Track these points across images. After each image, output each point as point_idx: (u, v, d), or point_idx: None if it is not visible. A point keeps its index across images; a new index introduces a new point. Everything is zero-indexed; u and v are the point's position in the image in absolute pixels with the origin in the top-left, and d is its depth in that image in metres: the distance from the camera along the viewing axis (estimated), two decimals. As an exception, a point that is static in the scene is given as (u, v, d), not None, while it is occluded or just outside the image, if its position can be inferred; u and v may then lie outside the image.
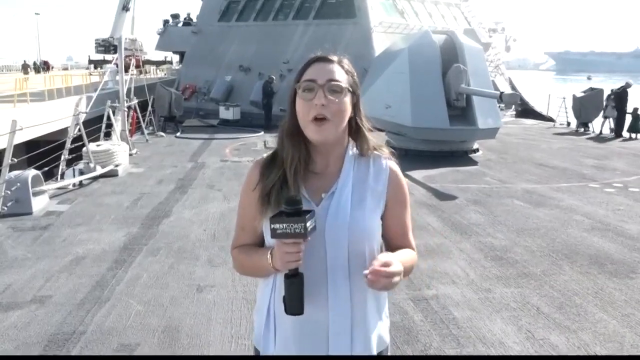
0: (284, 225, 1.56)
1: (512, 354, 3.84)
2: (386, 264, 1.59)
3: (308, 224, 1.56)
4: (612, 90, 18.21)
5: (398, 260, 1.64)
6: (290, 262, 1.59)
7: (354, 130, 1.77)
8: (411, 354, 3.83)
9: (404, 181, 1.84)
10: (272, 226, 1.57)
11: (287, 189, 1.70)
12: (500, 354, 3.84)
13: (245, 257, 1.81)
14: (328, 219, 1.69)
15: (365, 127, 1.78)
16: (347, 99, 1.70)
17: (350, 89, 1.72)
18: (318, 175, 1.75)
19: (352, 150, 1.79)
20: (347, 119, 1.72)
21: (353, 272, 1.68)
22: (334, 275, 1.69)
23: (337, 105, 1.67)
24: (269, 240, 1.75)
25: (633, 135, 17.10)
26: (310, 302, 1.63)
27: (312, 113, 1.66)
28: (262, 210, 1.72)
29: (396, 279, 1.60)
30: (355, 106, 1.75)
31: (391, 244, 1.81)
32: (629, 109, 17.22)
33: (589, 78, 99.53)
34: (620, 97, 17.33)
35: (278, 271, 1.67)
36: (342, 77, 1.70)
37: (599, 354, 3.86)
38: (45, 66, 47.56)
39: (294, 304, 1.61)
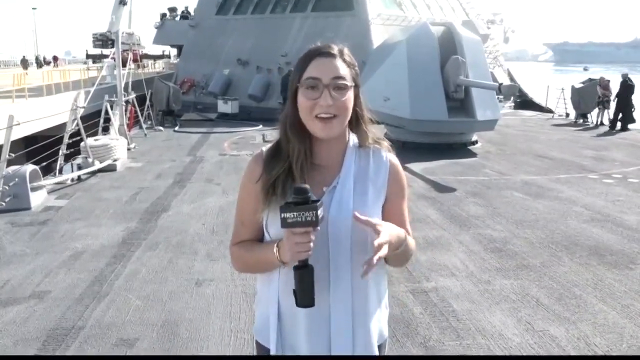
0: (295, 214, 1.53)
1: (512, 346, 3.84)
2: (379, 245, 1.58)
3: (319, 211, 1.54)
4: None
5: (389, 233, 1.65)
6: (300, 252, 1.56)
7: (354, 122, 1.76)
8: (410, 347, 3.83)
9: (403, 174, 1.84)
10: (283, 215, 1.54)
11: (292, 181, 1.69)
12: (500, 346, 3.84)
13: (247, 252, 1.79)
14: (331, 212, 1.67)
15: (366, 119, 1.77)
16: (351, 94, 1.69)
17: (354, 84, 1.70)
18: (319, 168, 1.74)
19: (353, 142, 1.78)
20: (350, 112, 1.71)
21: (355, 266, 1.67)
22: (337, 269, 1.68)
23: (342, 103, 1.66)
24: (269, 234, 1.74)
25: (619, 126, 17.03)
26: None
27: (316, 111, 1.65)
28: (265, 201, 1.70)
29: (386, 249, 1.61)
30: (357, 97, 1.73)
31: None
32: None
33: (585, 69, 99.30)
34: (627, 89, 17.01)
35: (285, 264, 1.65)
36: (345, 73, 1.68)
37: (598, 345, 3.85)
38: (55, 61, 47.59)
39: (305, 296, 1.59)
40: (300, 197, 1.55)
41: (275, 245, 1.65)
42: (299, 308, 1.61)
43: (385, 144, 1.83)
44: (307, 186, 1.59)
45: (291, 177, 1.70)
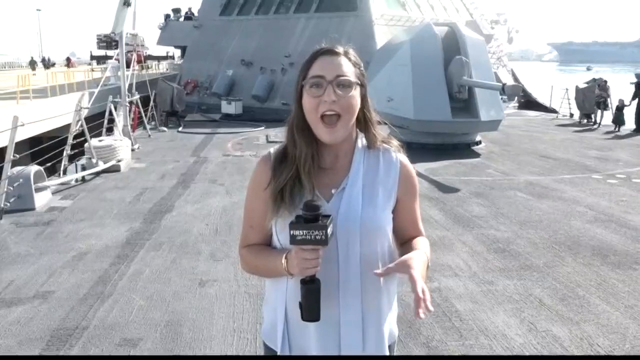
0: (304, 232, 1.52)
1: (515, 346, 3.84)
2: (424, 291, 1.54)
3: (329, 230, 1.52)
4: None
5: (422, 265, 1.64)
6: (308, 268, 1.55)
7: (362, 123, 1.74)
8: (413, 347, 3.83)
9: (415, 174, 1.81)
10: (292, 232, 1.53)
11: (300, 186, 1.67)
12: (503, 346, 3.83)
13: (256, 258, 1.77)
14: (339, 216, 1.65)
15: (374, 120, 1.75)
16: (356, 93, 1.67)
17: (359, 82, 1.68)
18: (327, 170, 1.72)
19: (361, 143, 1.76)
20: (356, 113, 1.69)
21: (364, 269, 1.66)
22: (346, 273, 1.67)
23: (346, 101, 1.64)
24: (279, 239, 1.73)
25: (616, 127, 16.67)
26: (322, 301, 1.60)
27: (321, 109, 1.63)
28: (274, 207, 1.68)
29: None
30: (363, 98, 1.71)
31: (403, 235, 1.80)
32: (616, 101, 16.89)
33: (588, 69, 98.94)
34: None
35: (292, 276, 1.63)
36: (350, 71, 1.66)
37: (601, 345, 3.85)
38: (68, 62, 47.75)
39: (311, 310, 1.58)
40: (310, 213, 1.53)
41: (284, 256, 1.63)
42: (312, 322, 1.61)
43: (395, 143, 1.81)
44: (319, 203, 1.57)
45: (299, 181, 1.68)
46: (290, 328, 1.72)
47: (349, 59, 1.68)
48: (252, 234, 1.80)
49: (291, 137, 1.72)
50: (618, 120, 16.77)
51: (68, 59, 50.89)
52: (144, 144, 14.02)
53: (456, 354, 3.76)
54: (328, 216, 1.56)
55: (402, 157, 1.80)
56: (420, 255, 1.66)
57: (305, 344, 1.71)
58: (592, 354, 3.75)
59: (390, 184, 1.75)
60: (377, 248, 1.68)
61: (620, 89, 18.15)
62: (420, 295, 1.51)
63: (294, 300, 1.66)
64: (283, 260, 1.63)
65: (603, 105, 17.84)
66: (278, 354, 1.73)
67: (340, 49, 1.69)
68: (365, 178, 1.72)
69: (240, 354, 3.76)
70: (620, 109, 16.80)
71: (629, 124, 16.78)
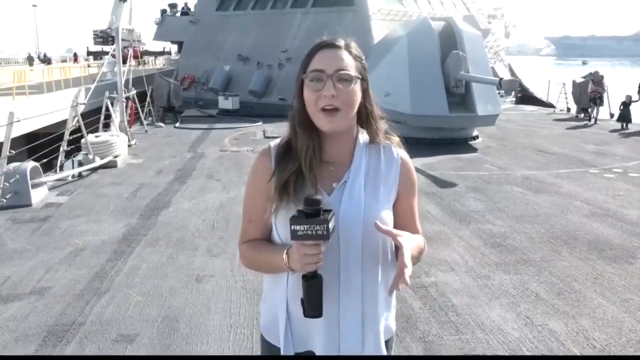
0: (305, 226, 1.49)
1: (511, 340, 3.84)
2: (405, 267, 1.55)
3: (330, 224, 1.50)
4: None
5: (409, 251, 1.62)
6: (310, 264, 1.54)
7: (364, 117, 1.73)
8: (410, 341, 3.84)
9: (414, 171, 1.81)
10: (293, 227, 1.51)
11: (303, 179, 1.66)
12: (499, 340, 3.84)
13: (256, 254, 1.76)
14: (341, 209, 1.64)
15: (375, 114, 1.75)
16: (357, 87, 1.66)
17: (360, 76, 1.67)
18: (328, 164, 1.71)
19: (362, 139, 1.76)
20: (357, 107, 1.68)
21: (365, 264, 1.66)
22: (347, 267, 1.66)
23: (346, 95, 1.63)
24: (278, 234, 1.71)
25: (623, 125, 15.82)
26: (323, 296, 1.59)
27: (320, 103, 1.62)
28: (278, 200, 1.67)
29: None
30: (365, 92, 1.70)
31: None
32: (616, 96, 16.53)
33: (584, 63, 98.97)
34: None
35: (293, 271, 1.62)
36: (350, 65, 1.65)
37: (597, 339, 3.86)
38: (75, 59, 47.77)
39: (312, 306, 1.57)
40: (311, 208, 1.51)
41: (285, 252, 1.62)
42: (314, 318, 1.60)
43: (396, 139, 1.80)
44: (320, 197, 1.55)
45: (302, 175, 1.67)
46: (292, 324, 1.70)
47: (350, 52, 1.67)
48: (252, 229, 1.79)
49: (293, 130, 1.71)
50: (624, 117, 15.85)
51: (75, 55, 51.03)
52: (141, 140, 13.99)
53: (453, 348, 3.77)
54: (329, 211, 1.55)
55: (403, 154, 1.79)
56: (415, 239, 1.70)
57: (306, 339, 1.70)
58: (588, 347, 3.76)
59: (391, 180, 1.74)
60: (378, 242, 1.67)
61: (619, 84, 17.99)
62: (405, 263, 1.54)
63: (295, 296, 1.65)
64: (284, 256, 1.62)
65: (599, 100, 17.30)
66: (281, 350, 1.71)
67: (341, 42, 1.68)
68: (367, 172, 1.72)
69: (237, 349, 3.76)
70: (627, 104, 15.89)
71: (636, 119, 15.94)
